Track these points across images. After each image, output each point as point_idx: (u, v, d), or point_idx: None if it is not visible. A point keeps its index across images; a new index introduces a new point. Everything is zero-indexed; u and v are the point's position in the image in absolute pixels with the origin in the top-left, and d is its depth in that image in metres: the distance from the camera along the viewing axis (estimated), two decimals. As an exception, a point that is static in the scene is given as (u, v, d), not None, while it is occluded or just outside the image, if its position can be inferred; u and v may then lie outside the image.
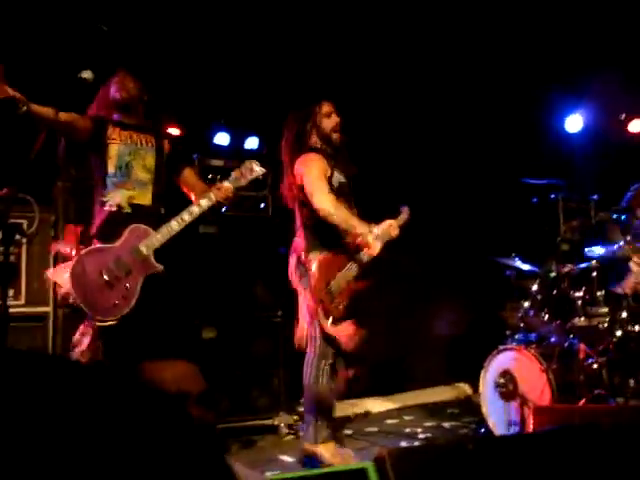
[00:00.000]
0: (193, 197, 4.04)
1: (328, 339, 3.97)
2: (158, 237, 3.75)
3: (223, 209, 5.35)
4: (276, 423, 5.37)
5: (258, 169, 4.04)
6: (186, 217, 3.79)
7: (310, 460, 3.96)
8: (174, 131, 5.83)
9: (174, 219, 3.79)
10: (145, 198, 3.90)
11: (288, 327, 5.64)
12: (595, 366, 4.77)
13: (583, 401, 4.55)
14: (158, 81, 5.45)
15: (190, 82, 5.81)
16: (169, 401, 1.68)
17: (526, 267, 5.26)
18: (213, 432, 1.83)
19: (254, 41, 5.91)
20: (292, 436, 5.34)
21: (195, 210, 3.83)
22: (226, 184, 3.94)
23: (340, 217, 3.90)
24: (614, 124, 7.27)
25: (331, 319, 3.91)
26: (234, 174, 4.01)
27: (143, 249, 3.71)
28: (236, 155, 5.79)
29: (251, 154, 6.02)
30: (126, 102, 3.97)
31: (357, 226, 3.89)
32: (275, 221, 5.56)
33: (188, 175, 4.16)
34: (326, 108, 4.23)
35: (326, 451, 3.94)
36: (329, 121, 4.20)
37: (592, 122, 7.24)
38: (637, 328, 4.83)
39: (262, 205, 5.59)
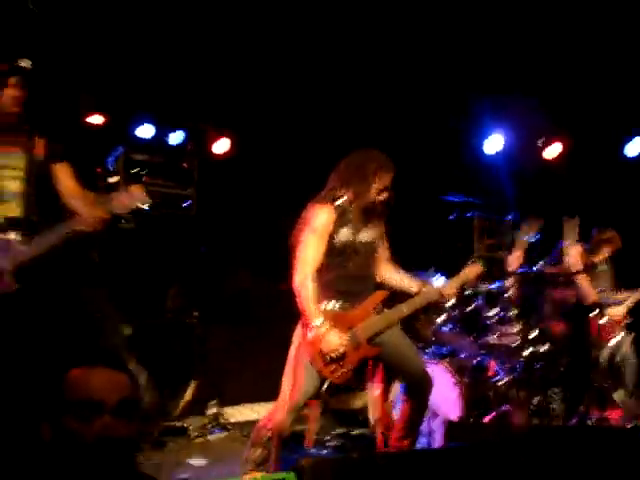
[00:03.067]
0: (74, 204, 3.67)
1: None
2: (25, 250, 3.45)
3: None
4: (185, 425, 5.29)
5: (144, 197, 3.64)
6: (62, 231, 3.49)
7: None
8: (97, 119, 5.68)
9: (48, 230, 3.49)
10: (15, 210, 3.57)
11: (203, 328, 5.61)
12: (502, 383, 4.94)
13: (492, 415, 4.69)
14: (83, 71, 5.33)
15: (116, 73, 5.64)
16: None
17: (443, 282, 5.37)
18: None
19: (181, 34, 5.81)
20: (201, 439, 5.27)
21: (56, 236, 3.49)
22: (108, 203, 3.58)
23: (302, 297, 3.66)
24: (532, 148, 7.53)
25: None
26: (115, 197, 3.62)
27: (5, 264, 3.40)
28: (161, 149, 5.69)
29: (176, 149, 5.92)
30: None
31: (311, 315, 3.63)
32: (198, 220, 5.48)
33: (62, 177, 3.72)
34: (385, 181, 3.88)
35: None
36: (378, 196, 3.87)
37: (511, 144, 7.46)
38: (544, 348, 5.04)
39: (186, 203, 5.48)
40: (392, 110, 6.86)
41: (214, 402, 5.56)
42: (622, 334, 5.65)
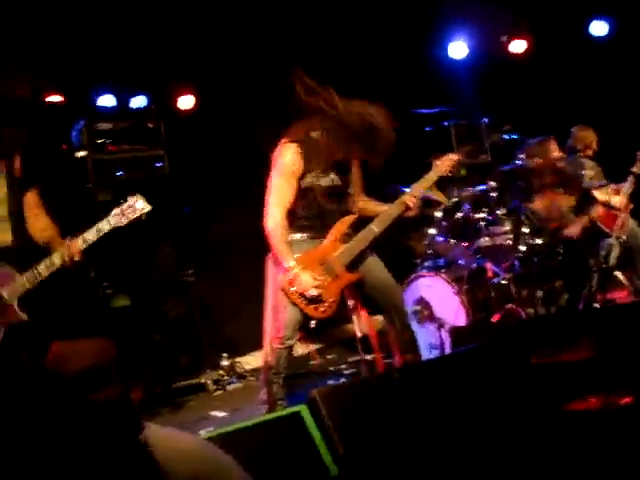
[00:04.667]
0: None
1: None
2: (23, 282, 3.31)
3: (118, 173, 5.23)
4: (202, 381, 5.35)
5: (143, 207, 3.48)
6: (48, 264, 3.34)
7: None
8: (56, 98, 5.58)
9: (42, 263, 3.33)
10: (5, 237, 3.38)
11: (200, 285, 5.62)
12: (504, 282, 4.97)
13: (497, 316, 4.73)
14: (32, 46, 5.20)
15: (68, 45, 5.51)
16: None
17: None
18: (125, 413, 1.78)
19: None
20: (221, 391, 5.35)
21: (46, 267, 3.34)
22: (96, 229, 3.42)
23: (274, 239, 3.65)
24: (496, 46, 7.42)
25: None
26: (114, 212, 3.45)
27: (5, 294, 3.29)
28: (124, 115, 5.58)
29: (139, 112, 5.82)
30: None
31: (284, 258, 3.63)
32: (174, 179, 5.42)
33: (31, 203, 3.50)
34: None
35: None
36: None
37: (476, 48, 7.35)
38: (539, 241, 5.05)
39: (158, 164, 5.40)
40: (355, 35, 6.74)
41: (226, 355, 5.63)
42: (629, 220, 5.63)
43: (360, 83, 6.94)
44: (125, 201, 3.47)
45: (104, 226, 3.42)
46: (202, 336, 5.46)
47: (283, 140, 3.74)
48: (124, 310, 5.08)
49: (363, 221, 3.93)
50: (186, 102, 6.36)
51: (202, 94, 6.37)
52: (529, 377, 3.34)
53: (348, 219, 3.83)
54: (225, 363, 5.56)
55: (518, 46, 7.27)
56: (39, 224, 3.48)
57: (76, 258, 3.36)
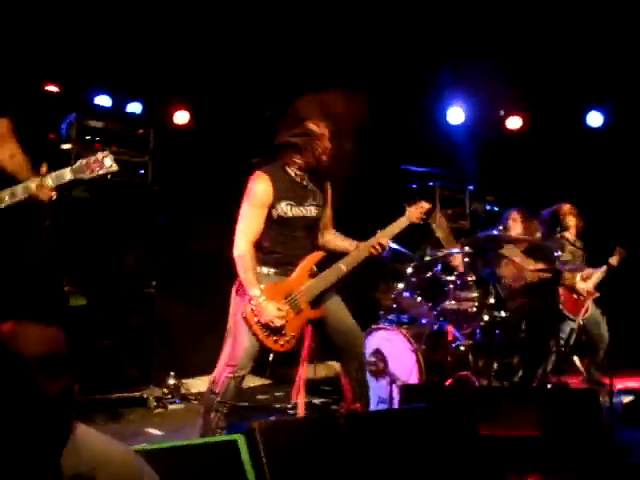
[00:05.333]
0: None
1: None
2: None
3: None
4: (145, 396, 5.25)
5: (111, 164, 3.40)
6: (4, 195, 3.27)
7: None
8: (53, 88, 5.60)
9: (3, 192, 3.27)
10: None
11: (162, 299, 5.55)
12: (462, 348, 4.97)
13: (450, 381, 4.71)
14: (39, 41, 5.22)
15: (76, 42, 5.53)
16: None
17: (401, 250, 5.38)
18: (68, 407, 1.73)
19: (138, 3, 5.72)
20: (161, 409, 5.25)
21: (12, 195, 3.26)
22: (58, 173, 3.31)
23: (240, 267, 3.64)
24: (494, 119, 7.56)
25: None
26: (79, 162, 3.35)
27: None
28: (118, 118, 5.58)
29: (133, 118, 5.84)
30: None
31: (249, 286, 3.60)
32: (154, 189, 5.39)
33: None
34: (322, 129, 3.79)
35: None
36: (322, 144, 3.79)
37: (473, 115, 7.48)
38: (502, 314, 5.07)
39: (142, 171, 5.38)
40: (356, 81, 6.80)
41: (173, 374, 5.54)
42: (592, 308, 5.72)
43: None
44: (93, 155, 3.38)
45: (65, 174, 3.31)
46: (153, 350, 5.37)
47: (258, 170, 3.75)
48: (80, 310, 4.98)
49: (330, 256, 3.92)
50: (181, 117, 6.43)
51: (197, 112, 6.41)
52: (473, 446, 3.33)
53: (317, 255, 3.82)
54: (171, 382, 5.47)
55: (514, 122, 7.40)
56: (7, 151, 3.43)
57: (51, 193, 3.26)
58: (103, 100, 6.04)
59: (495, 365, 5.07)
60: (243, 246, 3.64)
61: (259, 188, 3.69)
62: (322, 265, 3.88)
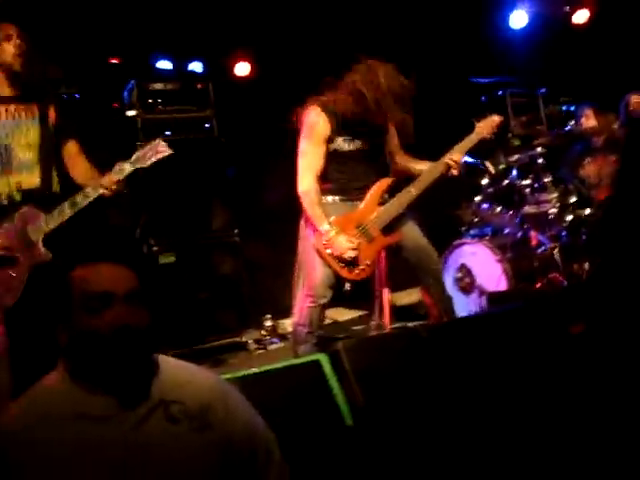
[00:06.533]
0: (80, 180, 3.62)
1: None
2: (48, 220, 3.41)
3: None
4: (244, 340, 5.42)
5: (165, 149, 3.54)
6: (79, 200, 3.41)
7: None
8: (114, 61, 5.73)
9: (67, 202, 3.42)
10: (33, 181, 3.49)
11: (246, 245, 5.69)
12: (549, 252, 4.88)
13: (539, 285, 4.65)
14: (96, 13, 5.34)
15: (130, 15, 5.62)
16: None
17: (475, 163, 5.29)
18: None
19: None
20: (262, 351, 5.41)
21: (85, 197, 3.42)
22: (119, 168, 3.46)
23: (307, 203, 3.68)
24: (558, 16, 7.23)
25: None
26: (136, 154, 3.51)
27: (31, 234, 3.39)
28: (179, 77, 5.67)
29: (192, 75, 5.92)
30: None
31: (318, 222, 3.65)
32: (222, 141, 5.48)
33: (71, 152, 3.66)
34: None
35: None
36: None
37: (536, 16, 7.18)
38: (586, 211, 4.93)
39: (207, 125, 5.47)
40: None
41: (269, 315, 5.69)
42: None
43: (419, 50, 6.93)
44: (148, 144, 3.55)
45: (125, 168, 3.47)
46: (247, 296, 5.52)
47: (310, 104, 3.75)
48: (170, 267, 5.17)
49: (402, 182, 3.91)
50: (242, 69, 6.45)
51: (259, 62, 6.43)
52: (565, 346, 3.29)
53: (385, 181, 3.81)
54: (268, 323, 5.62)
55: (580, 16, 7.06)
56: (79, 169, 3.63)
57: (114, 187, 3.44)
58: (165, 64, 6.13)
59: (587, 265, 4.95)
60: (307, 182, 3.68)
61: (315, 121, 3.70)
62: (395, 190, 3.88)
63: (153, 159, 3.51)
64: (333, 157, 3.73)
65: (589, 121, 5.32)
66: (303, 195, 3.68)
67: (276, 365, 2.73)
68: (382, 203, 3.79)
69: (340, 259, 3.64)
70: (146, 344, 1.81)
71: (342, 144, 3.72)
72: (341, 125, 3.70)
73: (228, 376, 2.54)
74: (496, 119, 4.00)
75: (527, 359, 3.11)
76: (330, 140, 3.70)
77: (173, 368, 1.93)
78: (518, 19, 7.18)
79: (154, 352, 1.89)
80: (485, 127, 3.97)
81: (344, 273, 3.70)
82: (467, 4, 6.80)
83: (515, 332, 3.21)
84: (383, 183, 3.80)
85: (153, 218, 5.17)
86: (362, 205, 3.75)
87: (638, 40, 6.77)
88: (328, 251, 3.63)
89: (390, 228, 3.79)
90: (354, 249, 3.64)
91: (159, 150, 3.52)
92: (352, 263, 3.68)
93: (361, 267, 3.71)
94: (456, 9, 6.82)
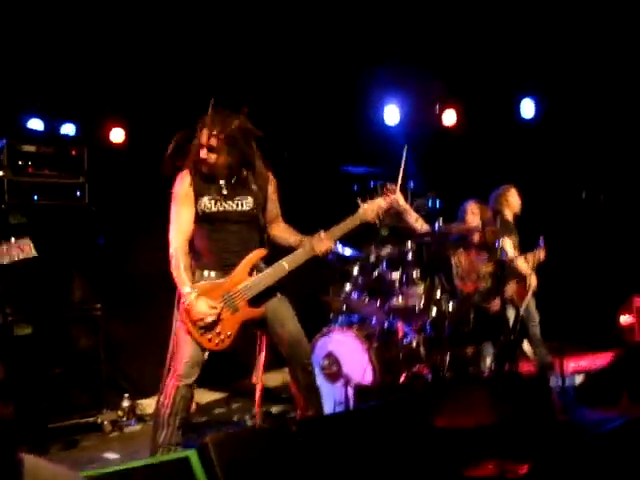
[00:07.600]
0: None
1: None
2: None
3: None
4: (99, 420, 5.15)
5: (30, 251, 3.30)
6: None
7: None
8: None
9: None
10: None
11: (110, 320, 5.47)
12: (413, 343, 5.00)
13: (403, 377, 4.73)
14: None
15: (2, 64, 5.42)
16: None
17: (348, 252, 5.40)
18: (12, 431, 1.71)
19: (68, 24, 5.62)
20: (117, 433, 5.16)
21: None
22: None
23: (173, 265, 3.58)
24: (429, 115, 7.63)
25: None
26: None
27: None
28: (52, 141, 5.47)
29: (67, 139, 5.75)
30: None
31: (181, 284, 3.55)
32: (92, 210, 5.30)
33: None
34: (201, 137, 3.66)
35: None
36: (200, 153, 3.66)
37: (408, 113, 7.55)
38: (450, 306, 5.12)
39: (78, 192, 5.28)
40: (291, 85, 6.83)
41: (127, 395, 5.45)
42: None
43: (292, 137, 7.08)
44: (10, 240, 3.30)
45: None
46: (104, 373, 5.27)
47: (183, 168, 3.72)
48: (25, 339, 4.86)
49: (281, 251, 3.83)
50: (117, 135, 6.34)
51: (132, 129, 6.34)
52: (430, 439, 3.35)
53: (259, 252, 3.70)
54: (125, 404, 5.37)
55: (450, 116, 7.48)
56: None
57: None
58: (35, 124, 5.93)
59: (448, 357, 5.09)
60: (174, 244, 3.60)
61: (180, 185, 3.67)
62: (270, 261, 3.78)
63: (15, 258, 3.27)
64: (202, 220, 3.65)
65: (475, 218, 5.51)
66: (171, 257, 3.60)
67: (143, 461, 2.59)
68: (253, 273, 3.67)
69: (200, 325, 3.52)
70: (13, 439, 1.68)
71: (208, 204, 3.64)
72: (207, 186, 3.65)
73: (91, 473, 2.37)
74: (382, 204, 3.91)
75: (393, 455, 3.15)
76: (196, 201, 3.64)
77: (34, 468, 1.80)
78: (391, 115, 7.52)
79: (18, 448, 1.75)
80: (370, 210, 3.87)
81: (204, 342, 3.55)
82: (343, 96, 7.06)
83: (381, 428, 3.25)
84: (256, 254, 3.69)
85: (10, 286, 4.86)
86: (232, 274, 3.63)
87: (502, 144, 7.28)
88: (188, 318, 3.51)
89: (258, 301, 3.67)
90: (214, 314, 3.51)
91: (24, 249, 3.29)
92: (212, 330, 3.53)
93: (221, 336, 3.57)
94: (332, 100, 7.07)
